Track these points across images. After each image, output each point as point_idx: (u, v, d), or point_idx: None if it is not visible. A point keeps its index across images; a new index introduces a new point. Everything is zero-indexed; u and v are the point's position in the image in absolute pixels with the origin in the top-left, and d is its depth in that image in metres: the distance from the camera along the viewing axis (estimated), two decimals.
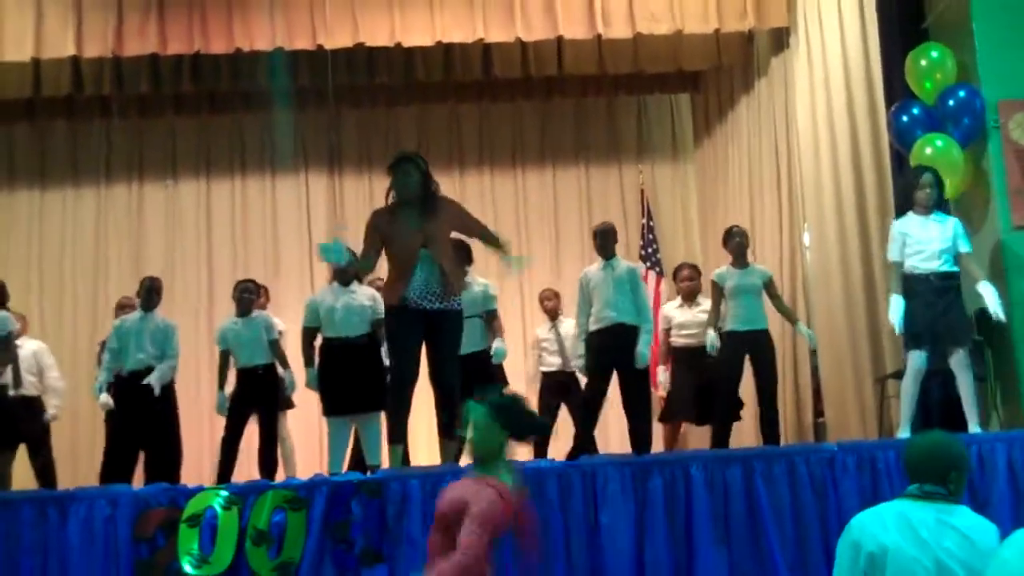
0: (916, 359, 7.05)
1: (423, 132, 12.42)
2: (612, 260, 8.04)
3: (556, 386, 9.20)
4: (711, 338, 8.16)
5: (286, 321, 9.40)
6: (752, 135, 10.93)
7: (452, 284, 6.63)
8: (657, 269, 11.50)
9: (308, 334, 8.00)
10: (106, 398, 8.27)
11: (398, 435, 6.76)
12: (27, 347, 8.82)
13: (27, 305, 11.24)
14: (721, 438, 8.17)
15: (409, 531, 6.02)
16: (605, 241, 8.09)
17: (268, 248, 12.05)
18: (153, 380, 7.96)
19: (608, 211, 11.68)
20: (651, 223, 12.04)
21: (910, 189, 7.23)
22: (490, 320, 8.19)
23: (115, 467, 7.93)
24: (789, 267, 9.95)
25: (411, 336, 6.62)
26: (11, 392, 8.23)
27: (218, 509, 5.92)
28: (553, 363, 9.28)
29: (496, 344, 8.11)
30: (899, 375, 8.02)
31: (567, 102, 12.39)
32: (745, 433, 9.05)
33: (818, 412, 9.62)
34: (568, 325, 9.18)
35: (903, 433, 6.95)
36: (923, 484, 3.90)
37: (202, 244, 12.08)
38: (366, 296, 7.93)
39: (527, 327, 11.14)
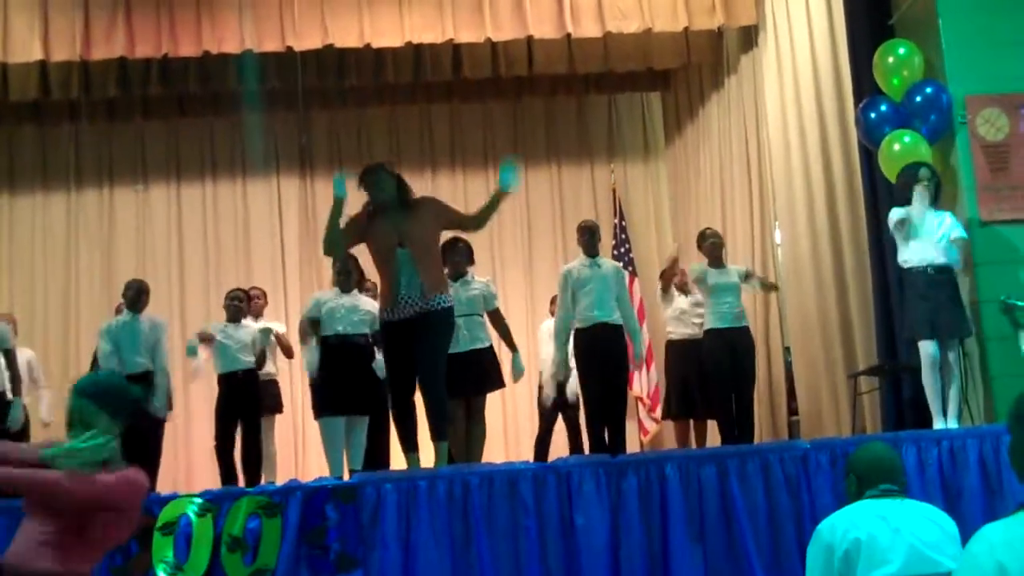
0: (929, 348, 7.12)
1: (394, 133, 12.42)
2: (597, 258, 8.05)
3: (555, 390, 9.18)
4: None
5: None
6: (723, 133, 10.96)
7: (431, 284, 6.53)
8: (630, 268, 11.51)
9: (310, 323, 7.97)
10: None
11: (410, 444, 6.74)
12: (22, 355, 8.77)
13: None
14: (743, 430, 8.22)
15: (384, 535, 6.00)
16: (591, 238, 8.09)
17: (240, 251, 12.01)
18: (159, 405, 8.08)
19: (580, 210, 11.70)
20: (623, 222, 12.06)
21: (909, 184, 7.27)
22: (495, 319, 8.05)
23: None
24: (761, 264, 9.98)
25: (400, 348, 6.59)
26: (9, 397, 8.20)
27: (192, 516, 5.89)
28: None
29: (516, 360, 7.97)
30: (872, 371, 8.10)
31: (538, 102, 12.40)
32: (717, 431, 9.08)
33: (792, 410, 9.67)
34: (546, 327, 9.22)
35: (938, 425, 7.07)
36: (881, 485, 3.98)
37: (173, 248, 12.03)
38: (367, 303, 7.93)
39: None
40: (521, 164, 12.35)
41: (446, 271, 7.65)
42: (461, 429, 7.81)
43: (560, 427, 9.26)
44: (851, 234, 8.65)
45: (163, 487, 7.59)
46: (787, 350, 9.63)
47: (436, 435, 6.73)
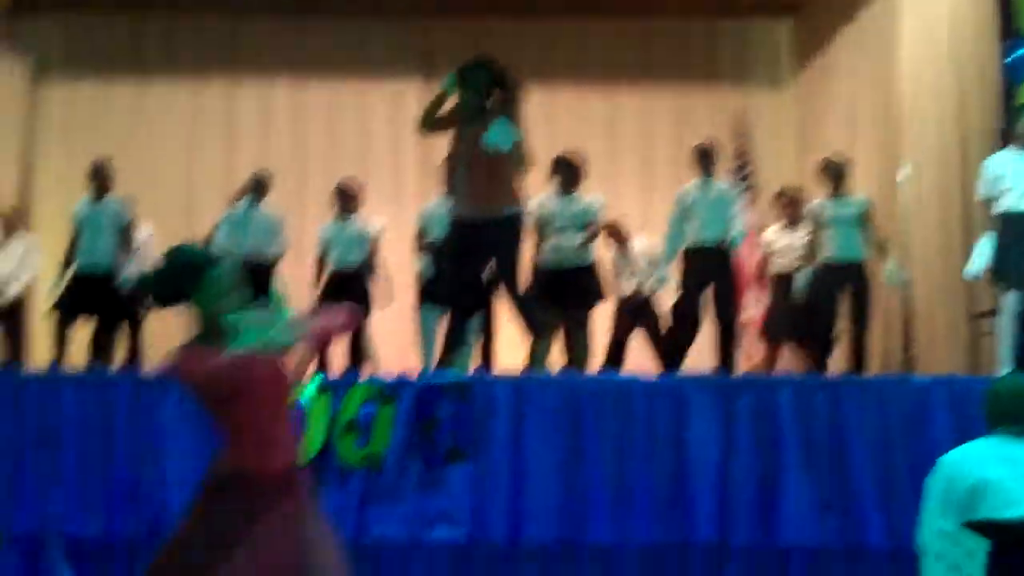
0: (1012, 300, 6.92)
1: (516, 47, 12.20)
2: (710, 180, 7.98)
3: (632, 310, 9.11)
4: (804, 275, 8.13)
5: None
6: (853, 66, 10.69)
7: (492, 193, 6.51)
8: (751, 198, 11.33)
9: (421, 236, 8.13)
10: None
11: (459, 339, 6.78)
12: (139, 233, 8.95)
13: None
14: (820, 366, 8.11)
15: (494, 433, 6.08)
16: (706, 160, 8.01)
17: (359, 157, 11.96)
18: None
19: (703, 135, 11.50)
20: (746, 151, 11.85)
21: (1013, 126, 7.07)
22: (592, 233, 8.07)
23: None
24: (887, 202, 9.74)
25: (463, 250, 6.63)
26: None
27: (310, 395, 5.98)
28: (627, 288, 9.18)
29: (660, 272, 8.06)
30: (994, 313, 7.90)
31: (666, 22, 12.19)
32: (832, 364, 8.97)
33: (907, 346, 9.49)
34: (639, 245, 9.15)
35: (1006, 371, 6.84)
36: (1016, 424, 3.87)
37: (296, 146, 12.13)
38: None
39: None
40: (645, 88, 12.27)
41: (558, 184, 7.66)
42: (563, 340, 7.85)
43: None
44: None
45: None
46: (905, 284, 9.42)
47: (530, 333, 6.78)
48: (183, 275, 3.66)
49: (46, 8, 11.75)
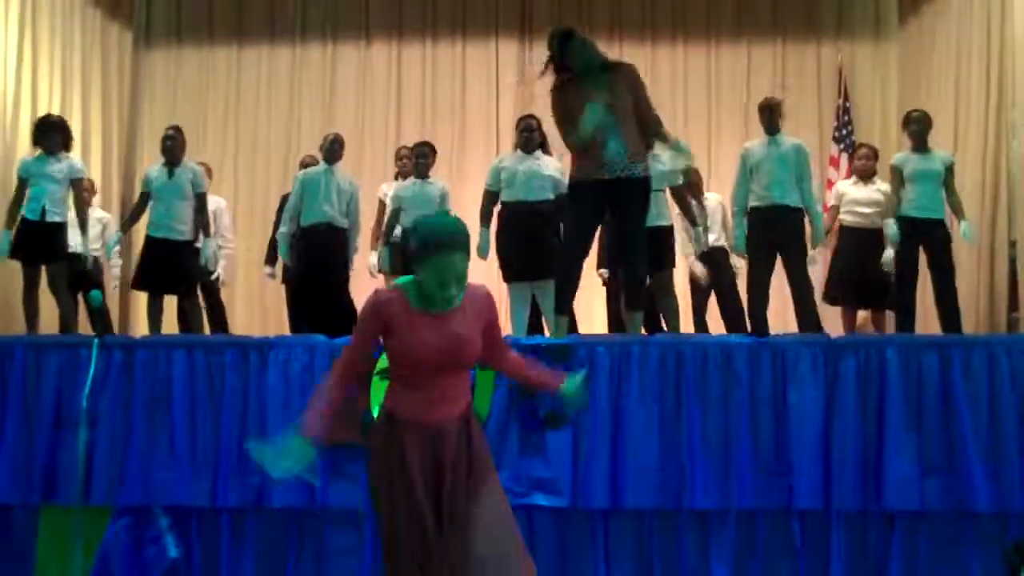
0: None
1: (615, 3, 12.19)
2: (777, 136, 7.85)
3: (705, 262, 8.99)
4: (892, 230, 7.98)
5: (472, 187, 9.45)
6: (962, 17, 10.39)
7: (635, 149, 6.44)
8: (851, 152, 11.15)
9: (488, 197, 8.00)
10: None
11: (563, 306, 6.75)
12: (211, 203, 9.06)
13: (222, 160, 11.60)
14: (906, 325, 7.97)
15: (595, 397, 6.06)
16: (772, 115, 7.89)
17: (456, 113, 12.08)
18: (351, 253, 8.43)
19: (804, 90, 11.39)
20: (847, 104, 11.66)
21: None
22: (679, 194, 8.03)
23: (301, 318, 8.16)
24: (993, 156, 9.51)
25: (587, 210, 6.53)
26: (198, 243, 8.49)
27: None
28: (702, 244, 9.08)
29: (697, 234, 8.06)
30: None
31: None
32: (927, 326, 8.80)
33: (1013, 306, 9.29)
34: (712, 200, 9.06)
35: None
36: None
37: (392, 108, 12.18)
38: (551, 166, 7.89)
39: None
40: (745, 40, 12.09)
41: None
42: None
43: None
44: None
45: None
46: (1012, 244, 9.21)
47: (632, 304, 6.71)
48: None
49: None
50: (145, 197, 8.40)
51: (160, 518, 6.17)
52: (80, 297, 8.74)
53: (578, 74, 6.50)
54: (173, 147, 8.34)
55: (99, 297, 5.84)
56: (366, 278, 9.27)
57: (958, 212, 8.24)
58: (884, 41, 12.12)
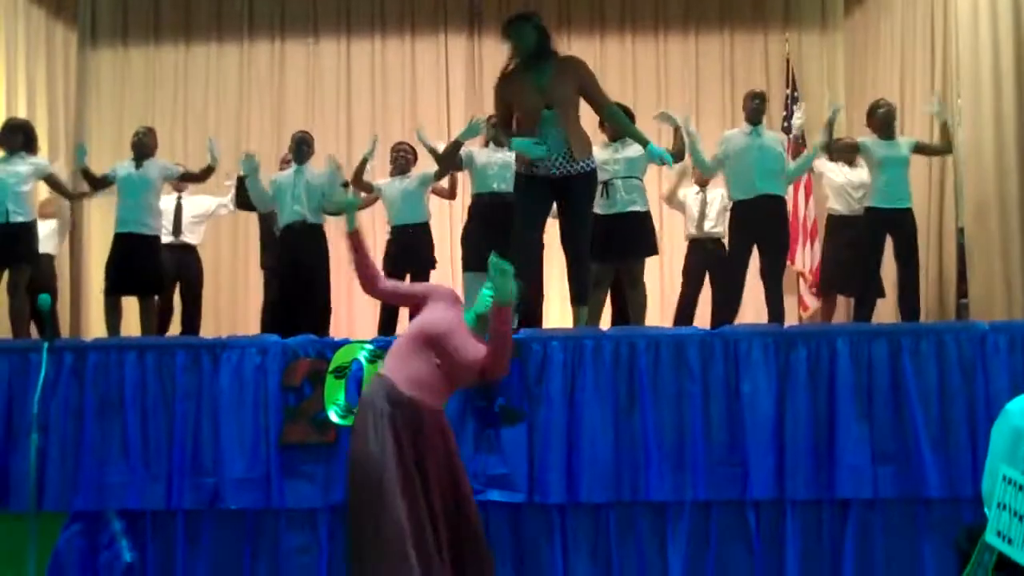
0: None
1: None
2: (759, 127, 7.91)
3: (702, 254, 9.11)
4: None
5: None
6: (906, 5, 10.49)
7: (578, 145, 6.48)
8: (800, 141, 11.23)
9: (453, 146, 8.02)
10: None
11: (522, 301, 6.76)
12: (196, 200, 9.11)
13: (172, 158, 11.50)
14: (863, 314, 8.05)
15: (549, 392, 6.08)
16: (758, 106, 7.96)
17: (406, 108, 12.05)
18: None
19: (751, 81, 11.39)
20: (795, 93, 11.74)
21: None
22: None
23: (278, 317, 8.13)
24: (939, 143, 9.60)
25: (536, 203, 6.58)
26: (170, 240, 8.45)
27: (363, 362, 6.02)
28: (698, 228, 9.16)
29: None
30: None
31: None
32: (883, 314, 8.90)
33: (961, 292, 9.39)
34: (714, 194, 9.12)
35: None
36: None
37: (341, 103, 12.14)
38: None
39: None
40: (692, 31, 12.14)
41: (606, 133, 7.63)
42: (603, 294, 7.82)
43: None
44: None
45: (334, 333, 7.78)
46: (960, 231, 9.31)
47: (577, 299, 6.75)
48: None
49: None
50: (105, 178, 8.37)
51: (114, 522, 6.12)
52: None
53: (522, 59, 6.51)
54: (144, 142, 8.33)
55: (48, 301, 5.78)
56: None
57: (947, 148, 8.43)
58: (830, 31, 12.22)
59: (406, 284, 4.65)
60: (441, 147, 8.28)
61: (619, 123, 6.86)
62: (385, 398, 4.65)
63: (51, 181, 8.34)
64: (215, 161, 8.63)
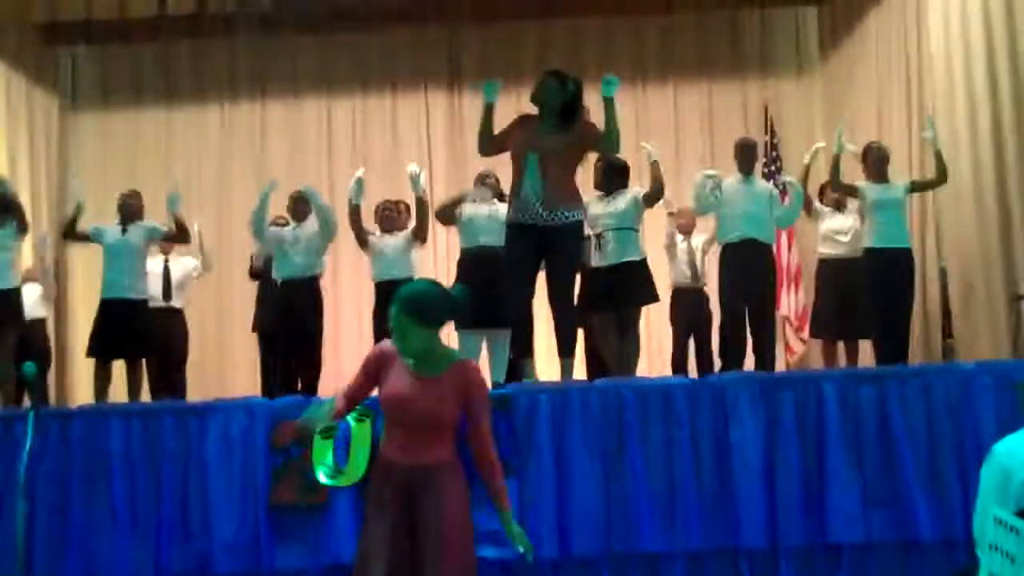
0: None
1: (543, 48, 12.30)
2: (751, 176, 7.99)
3: (688, 304, 9.16)
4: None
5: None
6: (881, 49, 10.63)
7: (556, 195, 6.48)
8: (780, 187, 11.29)
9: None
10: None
11: (519, 350, 6.79)
12: (181, 263, 9.25)
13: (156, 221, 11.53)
14: (886, 356, 8.02)
15: (538, 445, 6.07)
16: (749, 155, 8.03)
17: (388, 166, 12.09)
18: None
19: (731, 128, 11.50)
20: (775, 140, 11.83)
21: None
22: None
23: (278, 377, 8.11)
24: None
25: (521, 250, 6.60)
26: (159, 303, 8.43)
27: (351, 422, 5.98)
28: (685, 277, 9.20)
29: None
30: None
31: (690, 16, 12.18)
32: (870, 353, 8.91)
33: (947, 332, 9.42)
34: (698, 240, 9.16)
35: None
36: None
37: (323, 162, 12.21)
38: None
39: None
40: (671, 80, 12.25)
41: (598, 188, 7.69)
42: (613, 341, 7.81)
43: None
44: (1016, 154, 8.33)
45: (323, 392, 7.75)
46: (943, 271, 9.36)
47: (562, 351, 6.75)
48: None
49: (76, 39, 11.84)
50: (85, 235, 8.33)
51: None
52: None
53: (540, 109, 6.59)
54: (125, 205, 8.29)
55: (32, 369, 5.76)
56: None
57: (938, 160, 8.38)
58: (807, 76, 12.37)
59: (352, 381, 4.60)
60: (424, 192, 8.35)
61: (612, 133, 6.76)
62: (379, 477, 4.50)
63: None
64: (174, 217, 8.49)
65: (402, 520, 4.28)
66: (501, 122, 6.71)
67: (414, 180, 8.24)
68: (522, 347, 6.84)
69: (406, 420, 4.32)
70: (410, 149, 12.15)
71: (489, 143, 6.78)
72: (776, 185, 9.80)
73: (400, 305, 4.23)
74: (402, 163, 11.98)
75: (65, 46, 12.04)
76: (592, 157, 7.25)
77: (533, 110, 6.70)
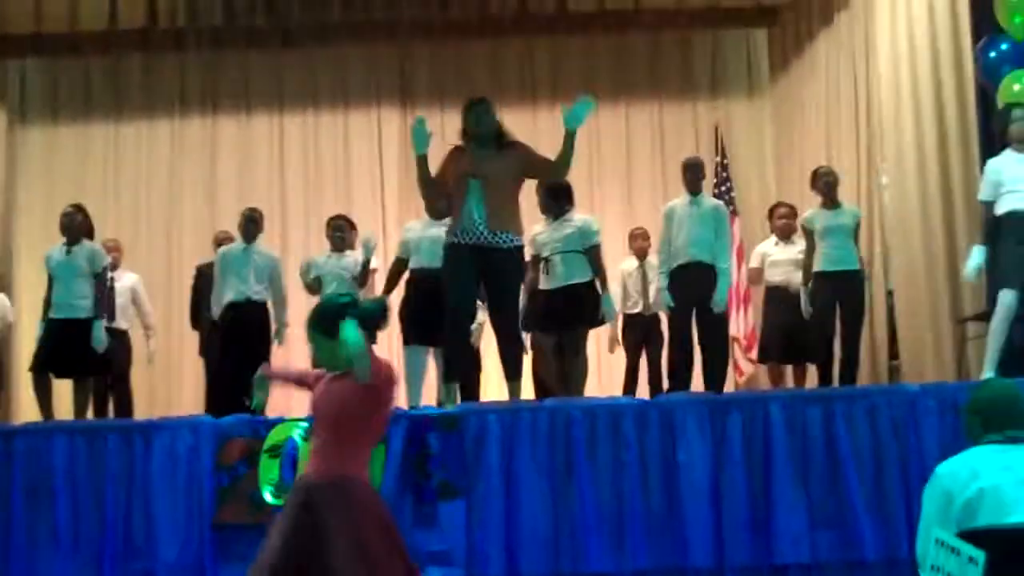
0: (1007, 298, 6.80)
1: (495, 67, 12.32)
2: (699, 196, 8.01)
3: (638, 328, 9.18)
4: (805, 294, 8.16)
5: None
6: (831, 71, 10.73)
7: (497, 218, 6.53)
8: (731, 207, 11.36)
9: (397, 264, 8.06)
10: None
11: (452, 374, 6.79)
12: (125, 280, 8.97)
13: (101, 236, 11.41)
14: (824, 378, 8.09)
15: (486, 465, 6.06)
16: (695, 175, 8.04)
17: (340, 183, 12.07)
18: (280, 333, 8.42)
19: (682, 148, 11.53)
20: (725, 161, 11.90)
21: (1005, 126, 7.07)
22: (591, 257, 7.81)
23: (222, 397, 8.03)
24: (866, 207, 9.74)
25: (461, 271, 6.62)
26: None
27: (298, 440, 5.96)
28: (637, 304, 9.22)
29: (606, 300, 7.80)
30: (980, 317, 7.90)
31: (642, 37, 12.20)
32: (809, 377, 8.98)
33: (893, 354, 9.50)
34: (630, 266, 9.21)
35: (988, 374, 6.76)
36: (1006, 430, 3.86)
37: (274, 179, 12.13)
38: None
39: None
40: (623, 101, 12.29)
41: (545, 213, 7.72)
42: (555, 364, 7.84)
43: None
44: (962, 177, 8.40)
45: (270, 412, 7.70)
46: (890, 294, 9.44)
47: (509, 374, 6.77)
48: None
49: (25, 52, 11.71)
50: (51, 281, 8.08)
51: None
52: None
53: (472, 138, 6.66)
54: (70, 224, 8.06)
55: None
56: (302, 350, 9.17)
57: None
58: (758, 97, 12.45)
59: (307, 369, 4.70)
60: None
61: (566, 162, 6.81)
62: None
63: None
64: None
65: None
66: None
67: (365, 246, 8.28)
68: (453, 371, 6.84)
69: (315, 418, 4.42)
70: (362, 166, 12.12)
71: (431, 189, 6.90)
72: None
73: (307, 320, 4.40)
74: (354, 180, 12.02)
75: (14, 59, 11.88)
76: (532, 182, 7.26)
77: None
